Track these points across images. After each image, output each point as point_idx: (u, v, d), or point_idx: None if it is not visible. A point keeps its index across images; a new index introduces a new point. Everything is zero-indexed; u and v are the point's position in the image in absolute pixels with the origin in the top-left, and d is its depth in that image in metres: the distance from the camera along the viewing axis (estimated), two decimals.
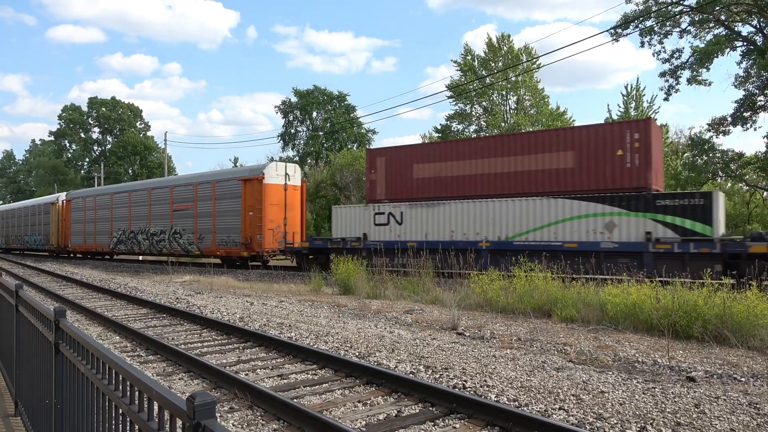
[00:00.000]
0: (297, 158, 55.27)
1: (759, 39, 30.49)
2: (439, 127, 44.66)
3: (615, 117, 40.99)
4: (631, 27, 32.15)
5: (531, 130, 29.61)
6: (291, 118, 58.84)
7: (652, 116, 37.31)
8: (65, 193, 41.81)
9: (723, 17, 30.48)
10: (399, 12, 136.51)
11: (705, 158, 29.46)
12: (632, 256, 16.34)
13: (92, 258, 37.14)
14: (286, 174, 26.21)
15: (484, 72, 41.42)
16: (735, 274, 14.19)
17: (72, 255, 39.57)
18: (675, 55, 32.95)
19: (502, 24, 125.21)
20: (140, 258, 34.93)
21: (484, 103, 41.87)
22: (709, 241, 15.54)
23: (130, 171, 72.02)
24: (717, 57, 31.55)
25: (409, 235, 21.09)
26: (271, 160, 38.36)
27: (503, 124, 40.55)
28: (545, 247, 17.78)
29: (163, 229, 29.33)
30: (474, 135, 43.83)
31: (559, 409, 5.48)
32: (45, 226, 40.33)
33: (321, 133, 56.82)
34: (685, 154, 33.66)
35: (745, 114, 29.42)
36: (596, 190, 17.52)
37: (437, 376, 6.74)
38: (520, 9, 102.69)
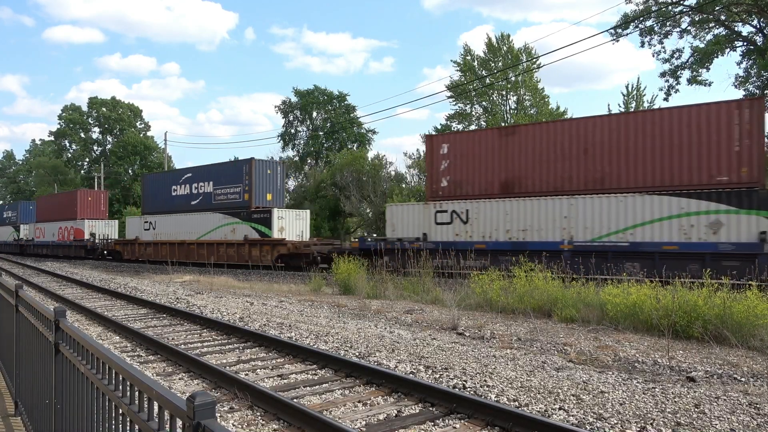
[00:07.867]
0: (297, 158, 55.25)
1: (759, 39, 30.48)
2: (438, 127, 44.66)
3: None
4: (631, 27, 32.15)
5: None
6: (291, 118, 58.76)
7: None
8: None
9: (723, 17, 30.47)
10: (396, 13, 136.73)
11: None
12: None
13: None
14: None
15: (483, 72, 41.40)
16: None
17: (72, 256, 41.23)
18: (675, 55, 32.94)
19: (499, 25, 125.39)
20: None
21: (484, 103, 41.85)
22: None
23: (130, 171, 71.85)
24: (717, 57, 31.52)
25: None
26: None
27: (503, 124, 40.56)
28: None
29: None
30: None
31: (559, 409, 5.48)
32: None
33: (321, 133, 56.75)
34: None
35: None
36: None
37: (437, 376, 6.74)
38: (517, 10, 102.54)
